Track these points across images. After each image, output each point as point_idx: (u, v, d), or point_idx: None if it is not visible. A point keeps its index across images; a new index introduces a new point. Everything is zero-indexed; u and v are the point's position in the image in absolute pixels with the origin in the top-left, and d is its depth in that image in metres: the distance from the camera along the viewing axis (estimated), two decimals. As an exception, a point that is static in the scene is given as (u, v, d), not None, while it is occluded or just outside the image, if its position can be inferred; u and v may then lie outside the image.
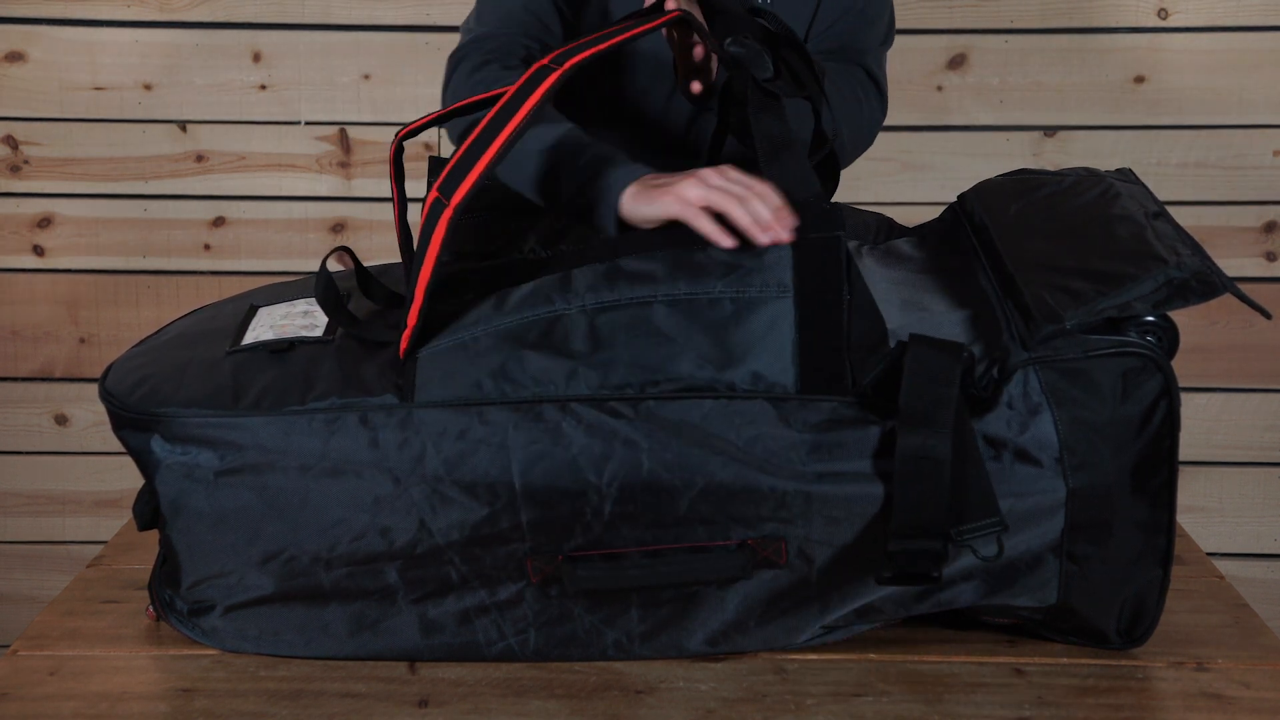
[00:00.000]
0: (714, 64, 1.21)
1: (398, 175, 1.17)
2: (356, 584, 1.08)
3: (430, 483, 1.04)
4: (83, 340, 2.25)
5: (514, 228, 1.23)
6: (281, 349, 1.11)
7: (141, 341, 1.20)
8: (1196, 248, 1.08)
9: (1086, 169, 1.26)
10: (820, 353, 1.05)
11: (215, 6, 2.13)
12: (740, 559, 1.06)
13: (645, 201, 1.11)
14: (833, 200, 1.27)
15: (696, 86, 1.22)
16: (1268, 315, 1.05)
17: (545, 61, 1.08)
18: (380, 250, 2.19)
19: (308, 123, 2.18)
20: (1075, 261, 1.08)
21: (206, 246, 2.21)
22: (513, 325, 1.06)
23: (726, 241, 1.06)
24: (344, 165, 2.19)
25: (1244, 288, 1.05)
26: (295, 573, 1.07)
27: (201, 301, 2.13)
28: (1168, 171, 2.15)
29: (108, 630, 1.16)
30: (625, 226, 1.13)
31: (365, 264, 1.23)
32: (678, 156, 1.47)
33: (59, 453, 2.30)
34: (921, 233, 1.27)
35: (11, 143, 2.18)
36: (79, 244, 2.21)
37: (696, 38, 1.20)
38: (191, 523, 1.07)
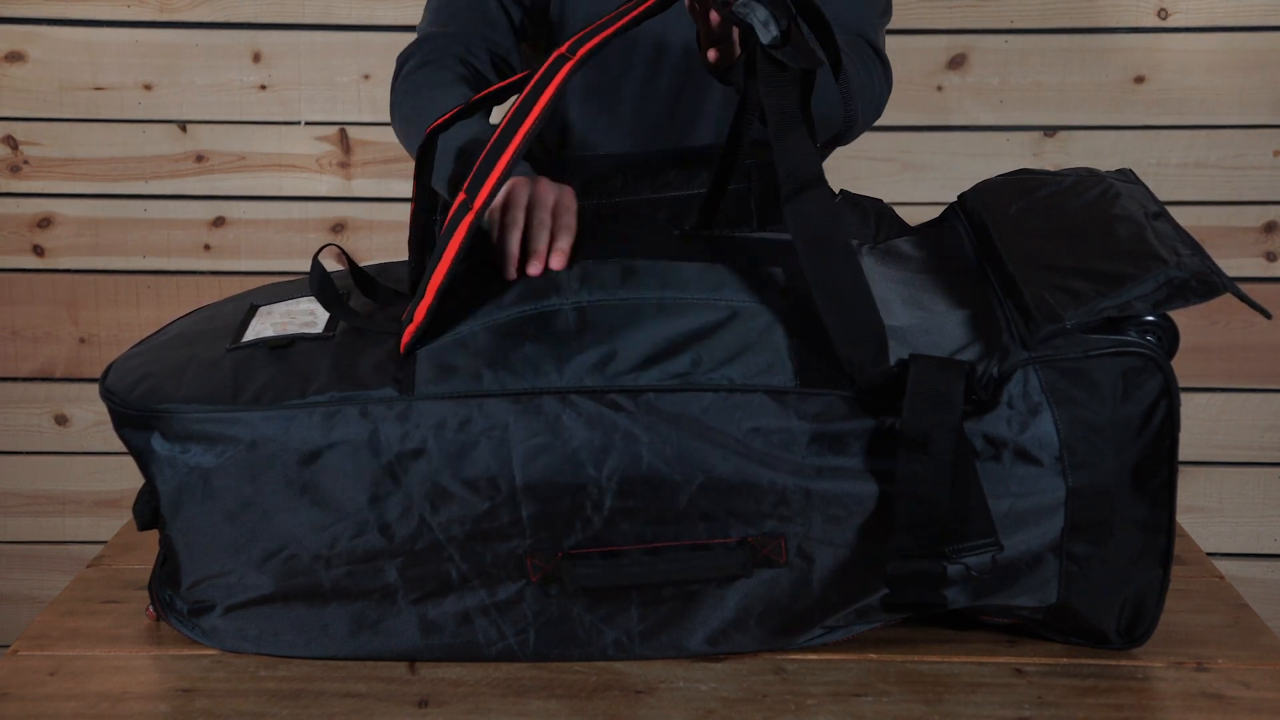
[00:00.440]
0: (735, 34, 1.20)
1: (422, 172, 1.17)
2: (356, 583, 1.08)
3: (430, 476, 1.04)
4: (83, 340, 2.25)
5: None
6: (281, 345, 1.11)
7: (142, 341, 1.21)
8: (1197, 248, 1.08)
9: (1087, 169, 1.26)
10: (818, 350, 1.05)
11: (215, 6, 2.13)
12: (740, 557, 1.06)
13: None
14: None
15: (713, 55, 1.22)
16: (1268, 315, 1.05)
17: (562, 50, 1.08)
18: (380, 250, 2.20)
19: (308, 123, 2.18)
20: (1075, 261, 1.08)
21: (206, 246, 2.21)
22: (508, 319, 1.07)
23: (509, 273, 1.12)
24: (344, 165, 2.19)
25: (1244, 288, 1.05)
26: (295, 571, 1.08)
27: (201, 301, 2.13)
28: (1168, 171, 2.15)
29: (108, 630, 1.16)
30: None
31: (362, 264, 1.23)
32: (661, 138, 1.46)
33: (59, 453, 2.30)
34: (921, 232, 1.27)
35: (11, 143, 2.18)
36: (79, 244, 2.22)
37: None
38: (191, 521, 1.07)
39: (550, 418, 1.04)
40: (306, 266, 2.16)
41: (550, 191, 1.18)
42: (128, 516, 1.37)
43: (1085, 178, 1.22)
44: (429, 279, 1.05)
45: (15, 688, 1.07)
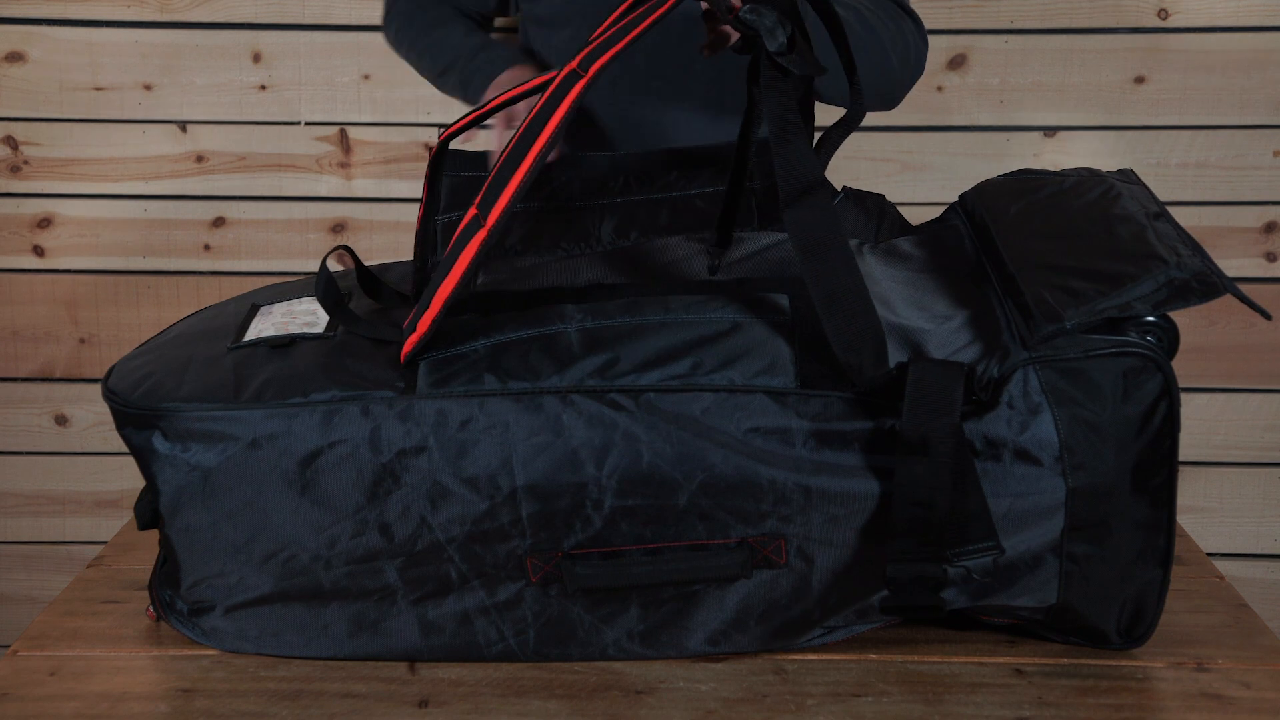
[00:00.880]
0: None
1: (433, 177, 1.17)
2: (356, 584, 1.08)
3: (431, 475, 1.04)
4: (83, 340, 2.25)
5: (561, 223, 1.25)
6: (282, 345, 1.11)
7: (145, 342, 1.21)
8: (1197, 248, 1.08)
9: (1088, 169, 1.26)
10: (819, 353, 1.05)
11: (215, 6, 2.13)
12: (740, 557, 1.06)
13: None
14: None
15: (706, 53, 1.21)
16: (1268, 316, 1.05)
17: (573, 66, 1.07)
18: (380, 250, 2.20)
19: (308, 123, 2.18)
20: (1076, 261, 1.08)
21: (206, 246, 2.21)
22: (512, 339, 1.07)
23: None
24: (344, 165, 2.19)
25: (1244, 288, 1.05)
26: (295, 571, 1.08)
27: (202, 302, 2.14)
28: (1168, 171, 2.15)
29: (108, 630, 1.16)
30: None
31: (365, 264, 1.23)
32: (642, 92, 1.48)
33: (59, 453, 2.30)
34: (922, 232, 1.27)
35: (11, 143, 2.18)
36: (79, 244, 2.22)
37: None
38: (191, 521, 1.07)
39: (551, 417, 1.04)
40: (307, 267, 2.17)
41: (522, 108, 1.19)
42: (128, 516, 1.37)
43: (1087, 178, 1.22)
44: (435, 291, 1.05)
45: (15, 688, 1.07)
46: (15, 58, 2.15)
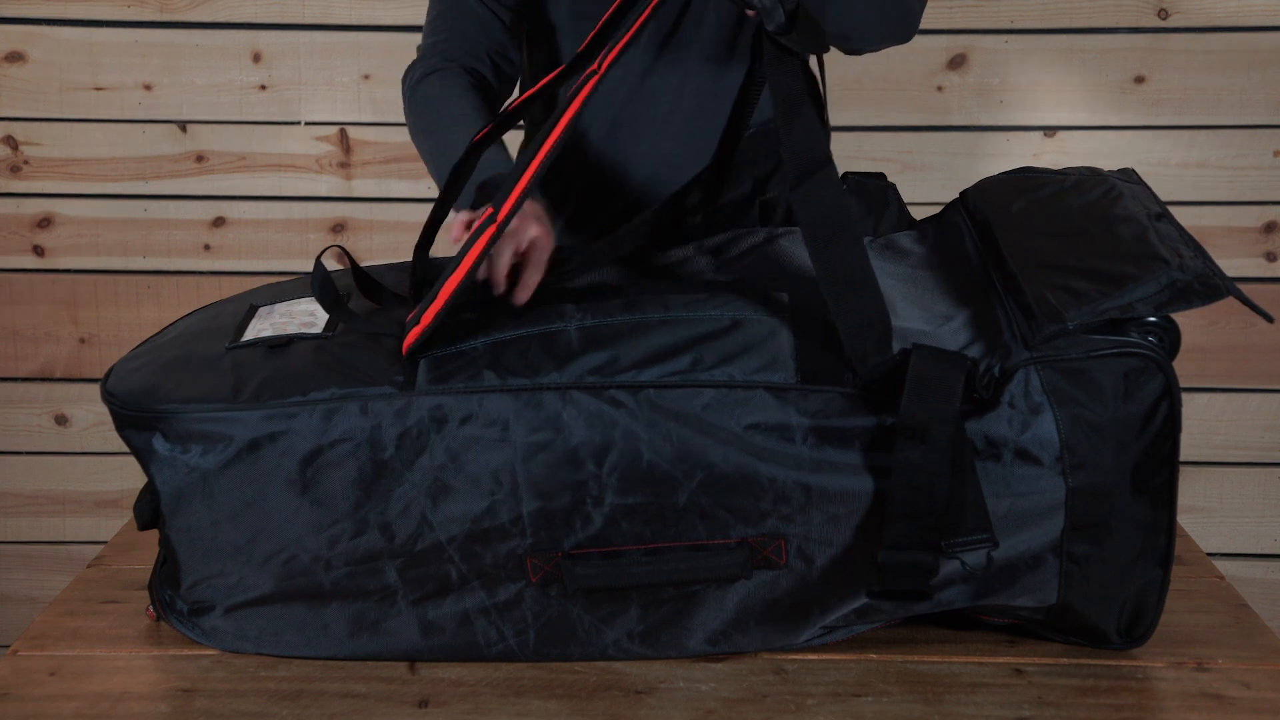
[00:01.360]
0: None
1: (455, 182, 1.17)
2: (356, 584, 1.08)
3: (431, 472, 1.04)
4: (83, 340, 2.25)
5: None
6: (280, 345, 1.11)
7: (143, 342, 1.21)
8: (1199, 250, 1.08)
9: (1090, 168, 1.26)
10: (820, 349, 1.05)
11: (215, 6, 2.13)
12: (740, 557, 1.06)
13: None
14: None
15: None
16: (1269, 319, 1.05)
17: (592, 67, 1.07)
18: (380, 250, 2.20)
19: (308, 123, 2.18)
20: (1077, 261, 1.08)
21: (206, 246, 2.21)
22: (511, 337, 1.08)
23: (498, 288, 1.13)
24: (344, 165, 2.19)
25: (1244, 288, 1.05)
26: (295, 572, 1.07)
27: (201, 301, 2.13)
28: (1168, 171, 2.15)
29: (108, 630, 1.16)
30: None
31: (363, 264, 1.23)
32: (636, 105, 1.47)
33: (59, 453, 2.30)
34: (924, 228, 1.27)
35: (11, 143, 2.18)
36: (79, 244, 2.21)
37: None
38: (191, 521, 1.07)
39: (551, 413, 1.04)
40: (306, 267, 2.16)
41: (530, 226, 1.16)
42: (128, 516, 1.37)
43: (1088, 177, 1.22)
44: (442, 284, 1.05)
45: (15, 688, 1.07)
46: (15, 58, 2.15)
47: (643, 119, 1.45)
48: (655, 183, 1.45)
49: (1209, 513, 2.27)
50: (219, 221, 2.21)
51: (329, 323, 1.14)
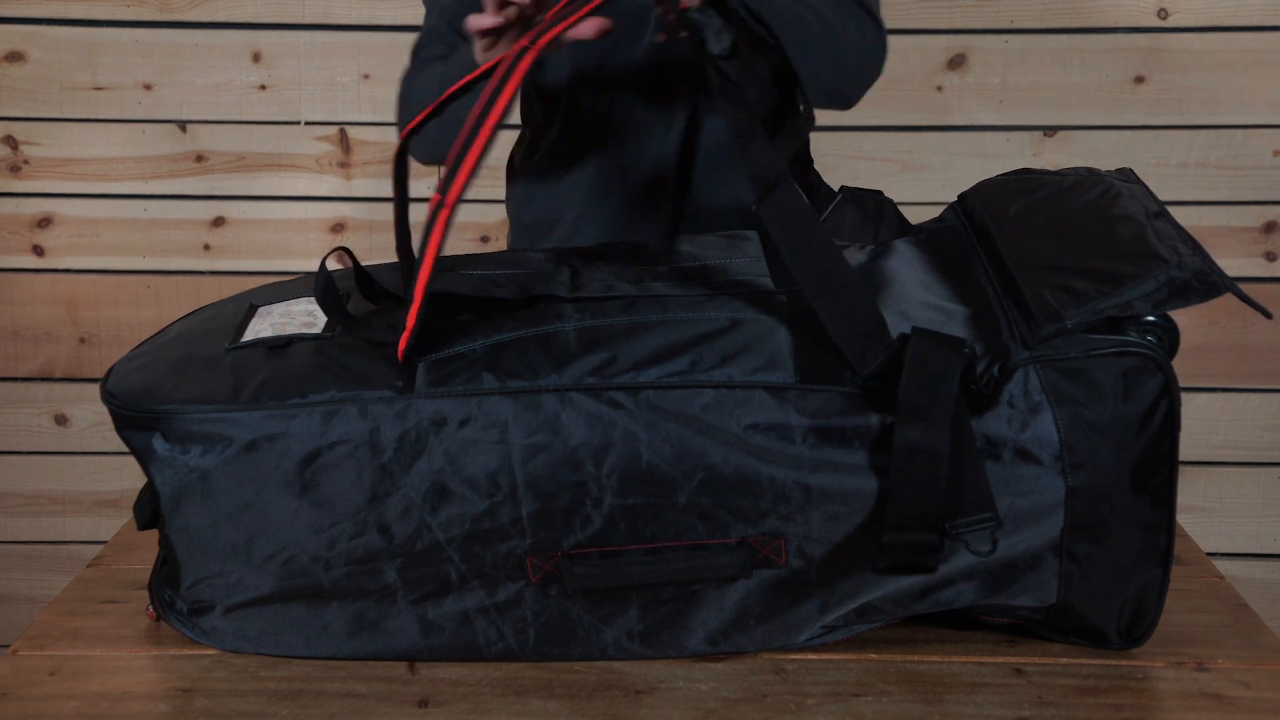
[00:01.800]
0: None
1: (399, 175, 1.17)
2: (356, 584, 1.08)
3: (430, 475, 1.04)
4: (83, 340, 2.25)
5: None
6: (280, 345, 1.11)
7: (143, 343, 1.21)
8: (1197, 248, 1.08)
9: (1087, 169, 1.26)
10: (819, 349, 1.05)
11: (215, 6, 2.14)
12: (740, 557, 1.06)
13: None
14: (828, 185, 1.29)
15: (660, 37, 1.23)
16: (1268, 315, 1.05)
17: (524, 41, 1.08)
18: (380, 250, 2.20)
19: (308, 123, 2.18)
20: (1076, 261, 1.08)
21: (206, 246, 2.22)
22: (510, 338, 1.07)
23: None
24: (344, 165, 2.19)
25: (1244, 288, 1.05)
26: (295, 572, 1.08)
27: (201, 301, 2.13)
28: (1168, 171, 2.15)
29: (108, 630, 1.16)
30: None
31: (365, 264, 1.23)
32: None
33: (59, 453, 2.30)
34: (921, 231, 1.27)
35: (11, 143, 2.18)
36: (79, 244, 2.22)
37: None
38: (191, 521, 1.07)
39: (550, 415, 1.04)
40: (306, 266, 2.17)
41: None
42: (128, 516, 1.37)
43: (1086, 177, 1.22)
44: (415, 283, 1.05)
45: (15, 688, 1.07)
46: (15, 58, 2.15)
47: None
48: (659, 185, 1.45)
49: (1209, 513, 2.27)
50: (219, 221, 2.21)
51: (328, 324, 1.14)
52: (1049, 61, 2.14)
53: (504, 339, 1.08)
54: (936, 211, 1.30)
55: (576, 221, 1.53)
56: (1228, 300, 1.04)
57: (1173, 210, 1.17)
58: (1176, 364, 1.04)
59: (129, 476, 2.27)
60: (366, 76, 2.16)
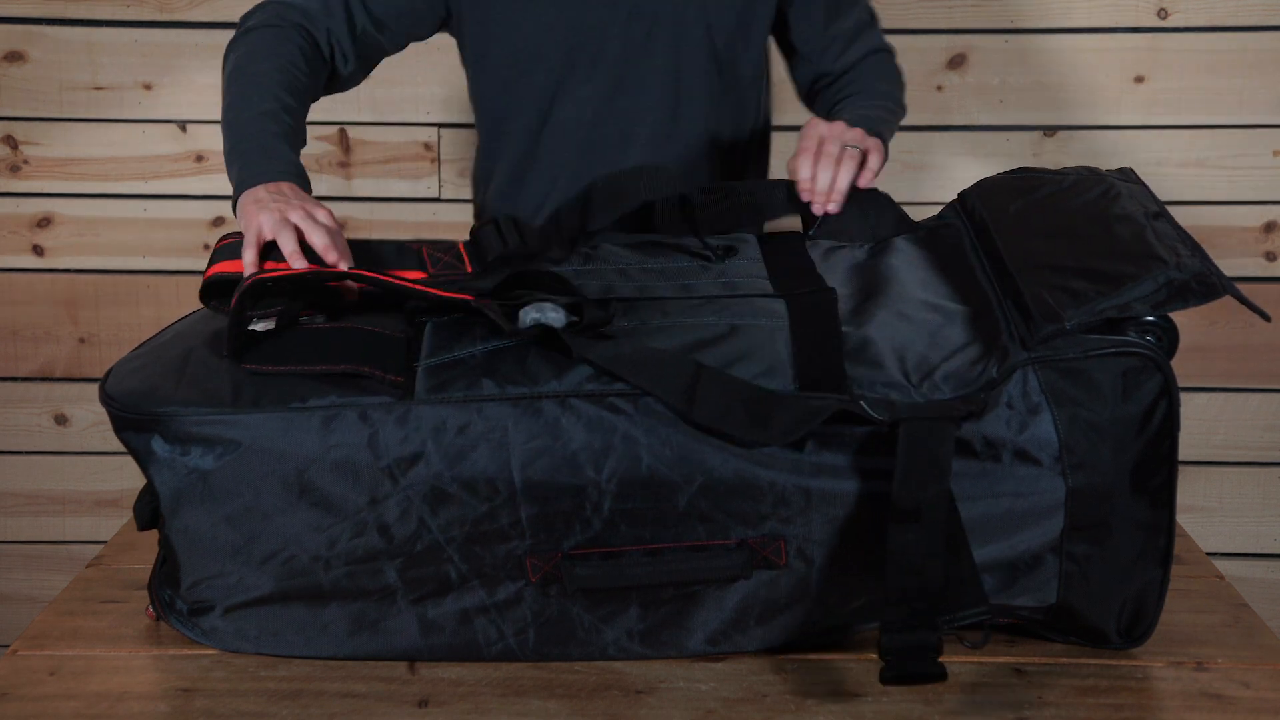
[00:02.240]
0: None
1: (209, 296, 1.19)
2: (356, 584, 1.08)
3: (430, 479, 1.04)
4: (83, 340, 2.25)
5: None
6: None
7: (142, 344, 1.21)
8: (1197, 249, 1.08)
9: (1088, 168, 1.26)
10: (818, 356, 1.05)
11: (215, 6, 2.13)
12: (739, 558, 1.06)
13: (243, 215, 1.19)
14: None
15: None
16: (1267, 318, 1.05)
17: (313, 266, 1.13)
18: (380, 250, 2.19)
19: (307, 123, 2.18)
20: (1075, 261, 1.08)
21: (206, 246, 2.21)
22: (510, 344, 1.08)
23: (299, 263, 1.14)
24: (344, 165, 2.18)
25: (1244, 288, 1.05)
26: (294, 572, 1.07)
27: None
28: (1168, 171, 2.15)
29: (108, 630, 1.16)
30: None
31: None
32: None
33: (59, 453, 2.30)
34: (921, 230, 1.27)
35: (11, 143, 2.18)
36: (79, 244, 2.21)
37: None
38: (191, 522, 1.07)
39: (550, 420, 1.04)
40: (306, 266, 2.14)
41: (317, 208, 1.19)
42: (128, 516, 1.37)
43: (1086, 177, 1.22)
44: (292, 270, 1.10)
45: (15, 688, 1.07)
46: (15, 58, 2.15)
47: (611, 139, 1.47)
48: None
49: (1209, 512, 2.27)
50: (219, 221, 2.21)
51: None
52: (1049, 61, 2.13)
53: (504, 344, 1.07)
54: (936, 211, 1.30)
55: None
56: (1228, 301, 1.04)
57: (1173, 210, 1.17)
58: (1176, 364, 1.04)
59: (129, 476, 2.27)
60: (366, 76, 2.15)
